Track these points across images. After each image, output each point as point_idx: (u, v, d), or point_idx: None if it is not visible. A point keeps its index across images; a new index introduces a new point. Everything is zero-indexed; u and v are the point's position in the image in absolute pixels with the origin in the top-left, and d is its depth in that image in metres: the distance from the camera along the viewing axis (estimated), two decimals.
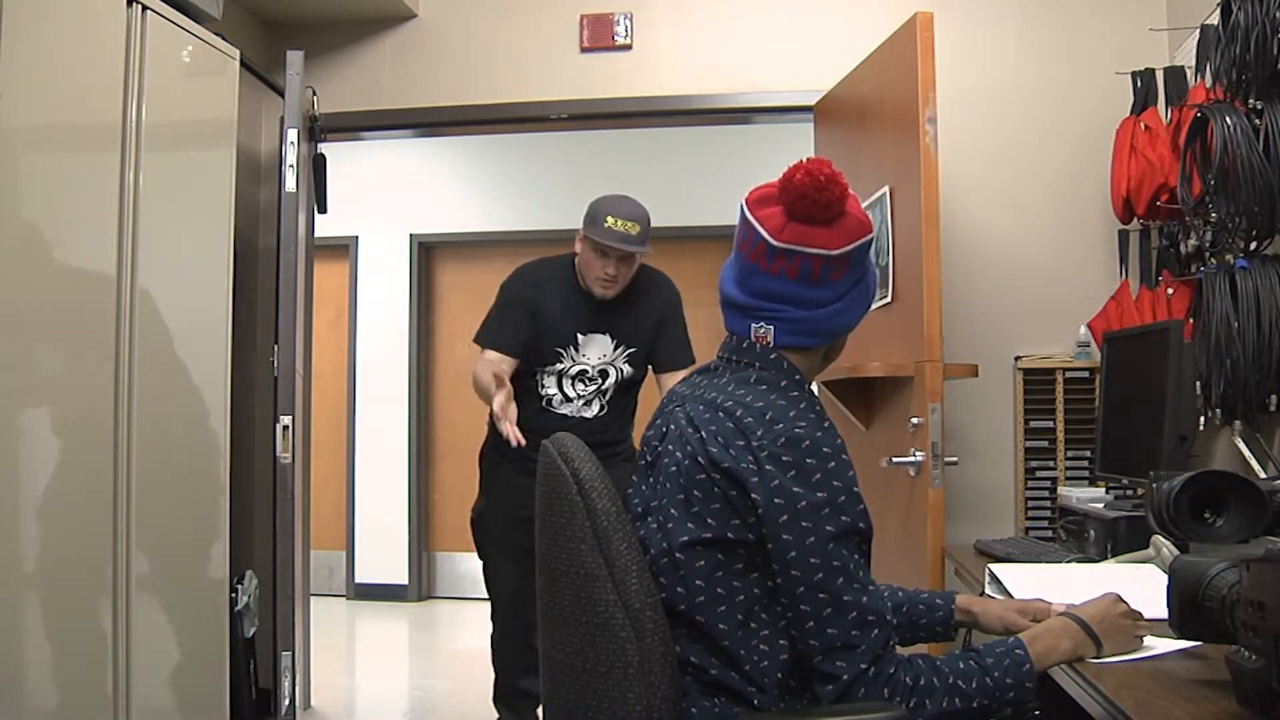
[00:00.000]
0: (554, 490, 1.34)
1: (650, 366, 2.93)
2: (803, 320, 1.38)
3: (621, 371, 2.85)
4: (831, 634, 1.24)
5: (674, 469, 1.35)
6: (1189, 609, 1.13)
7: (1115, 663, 1.29)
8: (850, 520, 1.27)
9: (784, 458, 1.27)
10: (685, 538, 1.30)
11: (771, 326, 1.38)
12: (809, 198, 1.33)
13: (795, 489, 1.25)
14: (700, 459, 1.32)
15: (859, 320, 1.45)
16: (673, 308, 2.93)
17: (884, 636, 1.26)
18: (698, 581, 1.30)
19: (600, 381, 2.83)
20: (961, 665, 1.29)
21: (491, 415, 2.87)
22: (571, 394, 2.82)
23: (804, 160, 1.35)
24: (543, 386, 2.84)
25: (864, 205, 3.15)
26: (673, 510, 1.33)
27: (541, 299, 2.82)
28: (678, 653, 1.30)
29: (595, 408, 2.84)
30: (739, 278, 1.41)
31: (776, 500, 1.26)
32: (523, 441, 2.44)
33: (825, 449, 1.28)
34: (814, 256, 1.35)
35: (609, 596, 1.25)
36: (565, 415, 2.83)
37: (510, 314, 2.83)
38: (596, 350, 2.84)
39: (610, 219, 2.69)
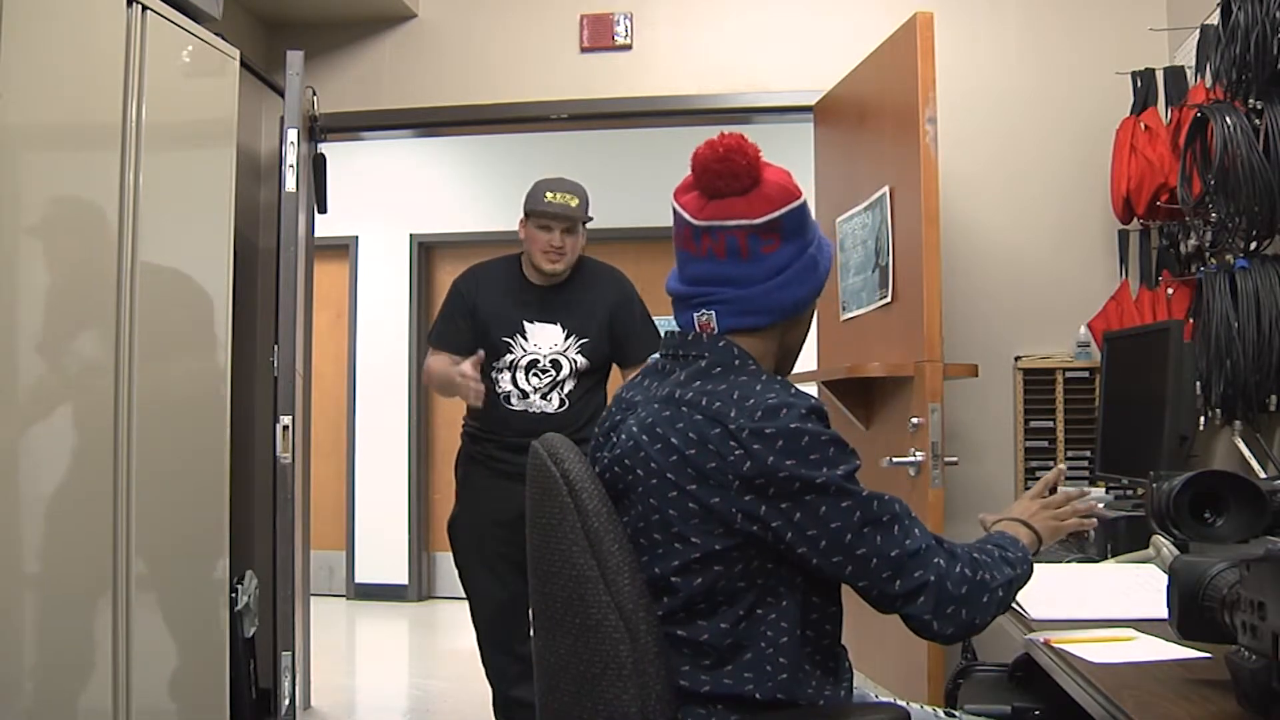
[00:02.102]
0: (544, 492, 1.32)
1: (616, 364, 2.92)
2: (741, 299, 1.33)
3: (575, 363, 2.82)
4: (895, 554, 1.26)
5: (640, 489, 1.30)
6: (1189, 609, 1.13)
7: (1115, 663, 1.29)
8: (848, 466, 1.27)
9: (766, 430, 1.23)
10: (677, 562, 1.27)
11: (713, 311, 1.34)
12: (712, 169, 1.31)
13: (788, 462, 1.23)
14: (669, 475, 1.27)
15: (810, 298, 1.39)
16: (625, 297, 2.92)
17: (925, 528, 1.30)
18: (696, 596, 1.28)
19: (554, 373, 2.82)
20: (989, 549, 1.38)
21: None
22: (526, 387, 2.80)
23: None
24: (498, 384, 2.81)
25: (864, 205, 3.15)
26: (655, 535, 1.29)
27: (480, 293, 2.88)
28: (671, 667, 1.28)
29: (555, 401, 2.81)
30: (677, 270, 1.40)
31: (776, 483, 1.24)
32: (481, 390, 2.63)
33: (801, 409, 1.26)
34: (736, 229, 1.31)
35: (601, 598, 1.24)
36: (524, 410, 2.80)
37: (452, 314, 2.90)
38: (546, 340, 2.83)
39: (550, 194, 2.80)
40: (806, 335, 1.45)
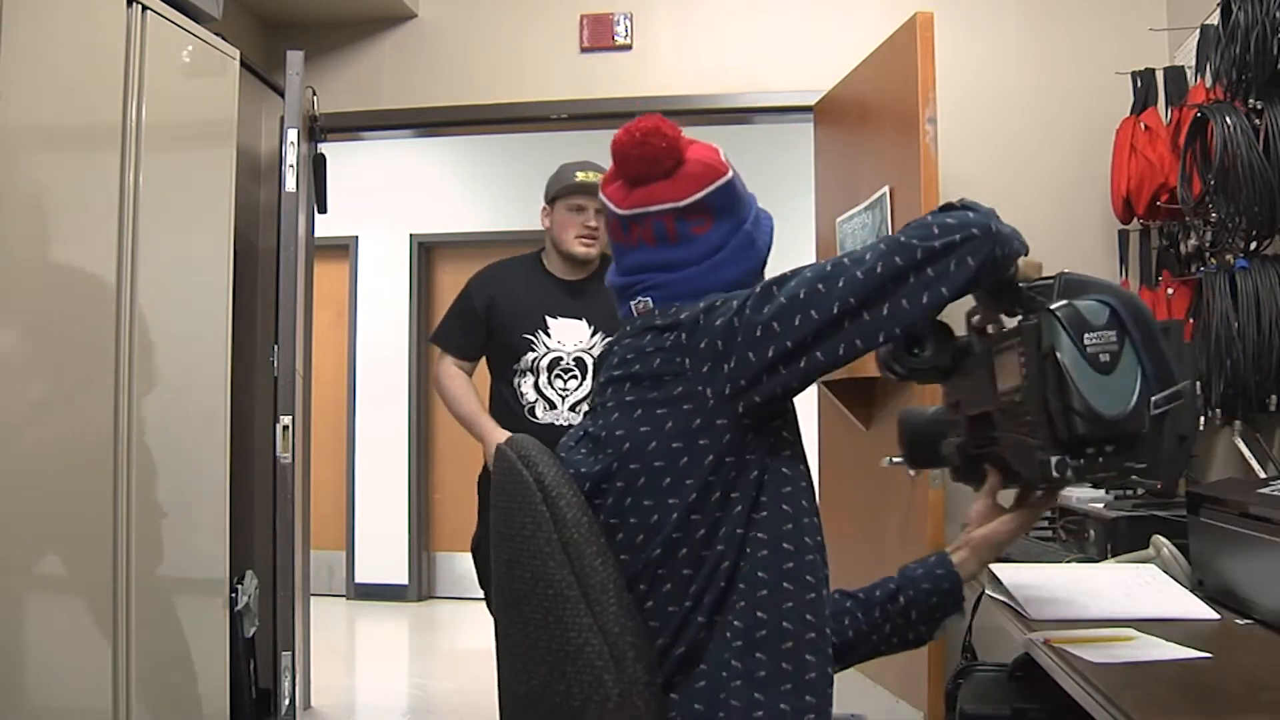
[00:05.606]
0: (514, 500, 1.17)
1: None
2: (676, 283, 1.28)
3: None
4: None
5: (613, 459, 1.22)
6: (917, 443, 1.43)
7: (1115, 663, 1.29)
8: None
9: (699, 313, 1.21)
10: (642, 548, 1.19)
11: (648, 297, 1.29)
12: (632, 156, 1.29)
13: (733, 305, 1.19)
14: (628, 398, 1.22)
15: (748, 277, 1.31)
16: None
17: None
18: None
19: (580, 376, 2.67)
20: None
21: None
22: (553, 396, 2.66)
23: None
24: (521, 393, 2.69)
25: (864, 205, 3.15)
26: (632, 499, 1.19)
27: (501, 289, 2.75)
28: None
29: (581, 413, 2.64)
30: (614, 263, 1.36)
31: (724, 333, 1.19)
32: None
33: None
34: (662, 213, 1.28)
35: (582, 619, 1.09)
36: (552, 424, 2.63)
37: (466, 314, 2.77)
38: (571, 336, 2.69)
39: (581, 173, 2.71)
40: None
